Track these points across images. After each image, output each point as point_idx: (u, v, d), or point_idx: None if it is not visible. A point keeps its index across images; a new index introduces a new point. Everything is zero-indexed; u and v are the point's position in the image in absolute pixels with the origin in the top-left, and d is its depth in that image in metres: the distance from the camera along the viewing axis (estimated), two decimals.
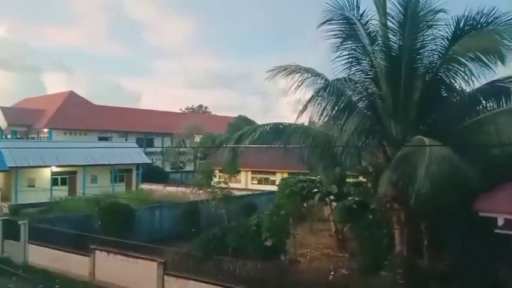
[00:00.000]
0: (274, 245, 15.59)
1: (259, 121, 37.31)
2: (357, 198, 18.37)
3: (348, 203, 18.42)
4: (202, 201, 23.42)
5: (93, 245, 16.83)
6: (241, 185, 39.95)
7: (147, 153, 46.66)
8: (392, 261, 12.87)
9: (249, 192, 30.89)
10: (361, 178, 19.44)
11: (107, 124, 54.89)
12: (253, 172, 42.38)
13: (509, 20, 11.05)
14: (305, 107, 12.03)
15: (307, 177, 21.30)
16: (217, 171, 26.75)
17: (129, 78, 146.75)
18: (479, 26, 11.57)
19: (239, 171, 37.72)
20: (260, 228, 16.20)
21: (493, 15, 11.30)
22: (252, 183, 42.15)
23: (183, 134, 53.34)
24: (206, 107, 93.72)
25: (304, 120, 13.33)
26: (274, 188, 28.94)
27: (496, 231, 11.05)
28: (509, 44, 10.69)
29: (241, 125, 27.50)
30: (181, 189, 33.11)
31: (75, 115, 51.90)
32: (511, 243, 11.13)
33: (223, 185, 22.84)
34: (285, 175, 32.27)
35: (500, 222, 11.21)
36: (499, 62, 11.18)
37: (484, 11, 11.38)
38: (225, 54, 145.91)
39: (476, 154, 11.54)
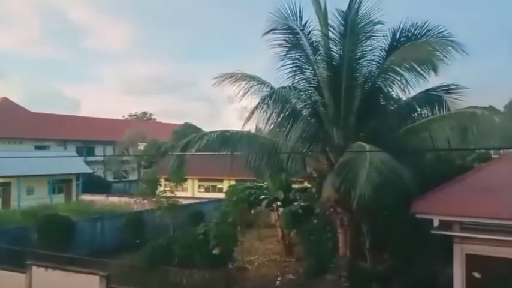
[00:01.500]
0: (222, 253, 15.49)
1: (206, 128, 37.15)
2: (302, 203, 18.72)
3: (294, 208, 18.74)
4: (147, 211, 22.85)
5: (29, 260, 15.81)
6: (188, 194, 39.44)
7: (87, 163, 45.13)
8: (336, 264, 13.20)
9: (196, 201, 30.56)
10: (306, 183, 19.87)
11: (44, 132, 52.21)
12: (200, 180, 42.00)
13: (440, 32, 11.81)
14: (251, 114, 12.17)
15: (255, 184, 21.43)
16: (162, 180, 26.24)
17: (68, 84, 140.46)
18: (413, 37, 12.27)
19: (186, 180, 37.22)
20: (207, 236, 16.04)
21: (426, 27, 12.02)
22: (199, 191, 41.76)
23: (126, 141, 51.89)
24: (151, 114, 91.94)
25: (250, 127, 13.46)
26: (221, 195, 28.84)
27: (433, 232, 11.71)
28: (441, 55, 11.45)
29: (188, 133, 27.21)
30: (124, 199, 32.13)
31: (8, 123, 48.90)
32: (446, 243, 11.82)
33: (169, 194, 22.44)
34: (233, 182, 32.27)
35: (436, 223, 11.87)
36: (432, 72, 11.96)
37: (418, 24, 12.10)
38: (170, 60, 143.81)
39: (413, 159, 12.24)
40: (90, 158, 52.10)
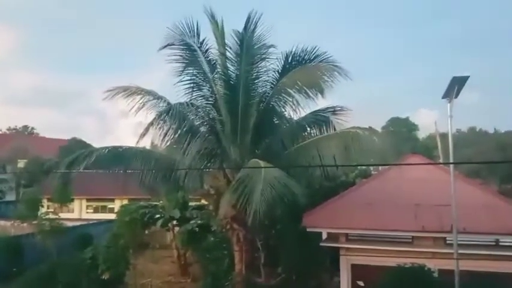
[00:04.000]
0: (112, 277, 14.68)
1: (96, 144, 35.12)
2: (199, 222, 18.57)
3: (191, 227, 18.48)
4: (27, 236, 20.76)
5: None
6: (75, 215, 36.68)
7: None
8: (232, 281, 13.27)
9: (84, 223, 28.60)
10: (203, 201, 19.78)
11: None
12: (88, 200, 39.43)
13: (327, 58, 12.80)
14: (146, 130, 11.79)
15: (149, 203, 20.76)
16: (45, 201, 24.06)
17: None
18: (304, 61, 13.10)
19: (72, 200, 34.57)
20: (96, 260, 15.10)
21: (315, 53, 12.92)
22: (88, 212, 39.18)
23: (4, 158, 46.72)
24: (33, 128, 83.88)
25: (145, 143, 13.05)
26: (113, 216, 27.34)
27: (321, 244, 12.44)
28: (328, 79, 12.38)
29: (75, 148, 25.41)
30: None
31: None
32: (335, 254, 12.63)
33: (52, 216, 20.67)
34: (125, 202, 30.84)
35: (324, 235, 12.66)
36: (319, 94, 12.87)
37: (307, 49, 12.97)
38: (56, 70, 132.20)
39: (303, 175, 12.95)
40: None
